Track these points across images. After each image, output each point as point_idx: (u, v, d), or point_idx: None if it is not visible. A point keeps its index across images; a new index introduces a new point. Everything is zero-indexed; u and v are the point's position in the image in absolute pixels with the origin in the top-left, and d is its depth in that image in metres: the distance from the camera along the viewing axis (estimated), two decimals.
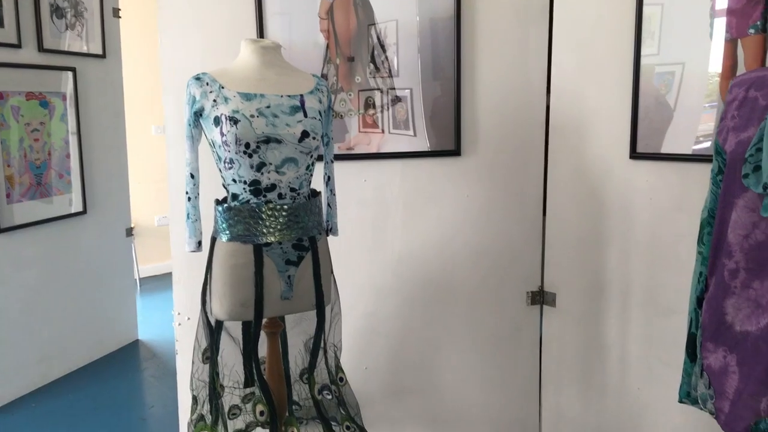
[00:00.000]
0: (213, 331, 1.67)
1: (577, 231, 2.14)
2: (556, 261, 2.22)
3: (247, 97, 1.52)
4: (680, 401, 1.54)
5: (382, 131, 2.09)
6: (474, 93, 2.13)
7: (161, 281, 4.82)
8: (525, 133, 2.18)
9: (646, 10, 1.86)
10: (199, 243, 1.63)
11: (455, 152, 2.14)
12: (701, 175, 1.78)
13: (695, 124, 1.81)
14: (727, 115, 1.34)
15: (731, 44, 1.69)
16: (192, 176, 1.60)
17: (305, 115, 1.57)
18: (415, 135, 2.11)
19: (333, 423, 1.84)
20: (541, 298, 2.27)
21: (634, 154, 1.94)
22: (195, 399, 1.72)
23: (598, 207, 2.07)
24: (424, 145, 2.12)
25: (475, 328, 2.25)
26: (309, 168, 1.61)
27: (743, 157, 1.24)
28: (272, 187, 1.55)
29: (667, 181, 1.88)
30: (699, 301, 1.44)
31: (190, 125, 1.57)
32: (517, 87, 2.15)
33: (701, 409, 1.39)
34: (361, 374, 2.18)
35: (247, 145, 1.50)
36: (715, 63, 1.75)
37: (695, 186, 1.80)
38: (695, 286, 1.49)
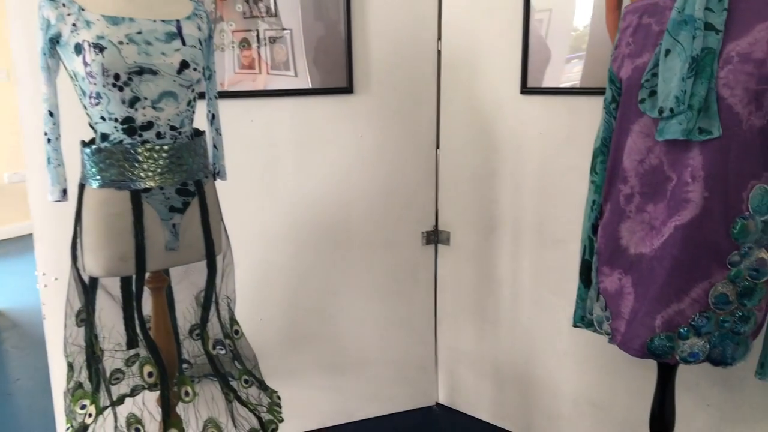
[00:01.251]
0: (87, 289, 1.49)
1: (470, 168, 2.14)
2: (450, 199, 2.22)
3: (114, 21, 1.32)
4: (574, 325, 1.60)
5: (260, 72, 1.94)
6: (365, 28, 2.03)
7: (17, 244, 4.33)
8: (418, 69, 2.12)
9: None
10: (64, 191, 1.42)
11: (347, 90, 2.04)
12: (590, 109, 1.83)
13: (559, 74, 1.86)
14: (622, 43, 1.35)
15: None
16: (51, 114, 1.38)
17: (183, 43, 1.39)
18: (296, 75, 1.97)
19: (229, 378, 1.74)
20: (435, 237, 2.28)
21: (525, 89, 1.95)
22: (70, 366, 1.54)
23: (491, 143, 2.07)
24: (305, 86, 1.99)
25: (372, 271, 2.21)
26: (191, 104, 1.44)
27: (639, 83, 1.26)
28: (149, 125, 1.37)
29: (556, 115, 1.91)
30: (594, 228, 1.48)
31: (45, 54, 1.34)
32: (408, 22, 2.07)
33: (597, 332, 1.44)
34: (256, 325, 2.07)
35: (117, 77, 1.31)
36: (581, 15, 1.78)
37: (584, 119, 1.85)
38: (588, 214, 1.52)
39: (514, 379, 2.20)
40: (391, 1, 2.04)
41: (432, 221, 2.26)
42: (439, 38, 2.12)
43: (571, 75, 1.87)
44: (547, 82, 1.89)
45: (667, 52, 1.21)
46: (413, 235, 2.25)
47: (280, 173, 2.04)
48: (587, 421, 2.04)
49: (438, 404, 2.43)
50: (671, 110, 1.19)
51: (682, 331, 1.25)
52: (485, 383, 2.28)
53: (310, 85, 1.99)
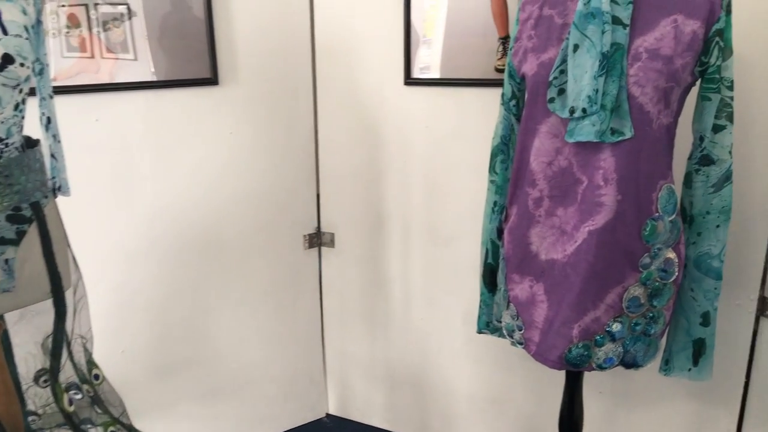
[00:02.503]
0: None
1: (353, 164, 1.99)
2: (333, 199, 2.06)
3: None
4: (479, 332, 1.53)
5: (92, 56, 1.62)
6: (229, 10, 1.77)
7: None
8: (290, 57, 1.91)
9: None
10: None
11: (212, 81, 1.78)
12: (478, 101, 1.76)
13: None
14: (522, 35, 1.27)
15: None
16: None
17: (4, 32, 1.08)
18: (135, 59, 1.68)
19: (88, 426, 1.46)
20: (318, 239, 2.11)
21: (409, 80, 1.83)
22: None
23: (374, 137, 1.93)
24: (147, 71, 1.69)
25: (250, 282, 1.99)
26: (18, 108, 1.13)
27: (547, 81, 1.18)
28: None
29: (443, 108, 1.82)
30: (498, 232, 1.40)
31: None
32: (277, 3, 1.85)
33: (509, 340, 1.37)
34: (118, 359, 1.79)
35: None
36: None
37: (472, 112, 1.77)
38: (489, 216, 1.45)
39: (408, 382, 2.11)
40: None
41: (314, 223, 2.09)
42: (313, 23, 1.93)
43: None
44: (434, 73, 1.79)
45: (576, 47, 1.13)
46: (294, 239, 2.06)
47: (135, 180, 1.74)
48: (484, 417, 2.01)
49: (328, 415, 2.28)
50: (584, 110, 1.12)
51: (598, 338, 1.21)
52: (378, 388, 2.18)
53: (152, 69, 1.70)
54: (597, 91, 1.11)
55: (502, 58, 1.69)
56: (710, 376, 1.30)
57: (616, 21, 1.12)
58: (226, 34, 1.78)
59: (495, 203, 1.43)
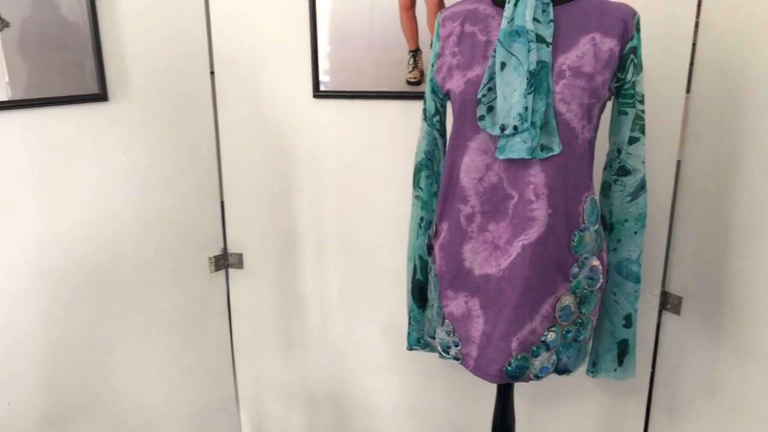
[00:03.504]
0: None
1: (260, 181, 1.90)
2: (240, 217, 1.95)
3: None
4: (410, 349, 1.51)
5: None
6: (114, 17, 1.61)
7: None
8: (187, 69, 1.78)
9: None
10: None
11: (100, 97, 1.61)
12: (390, 113, 1.74)
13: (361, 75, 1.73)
14: (445, 52, 1.26)
15: None
16: None
17: None
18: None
19: None
20: (225, 261, 1.99)
21: (318, 93, 1.77)
22: None
23: (283, 152, 1.85)
24: (19, 88, 1.50)
25: (152, 314, 1.84)
26: None
27: (475, 98, 1.18)
28: None
29: (354, 121, 1.78)
30: (429, 248, 1.39)
31: None
32: (171, 11, 1.72)
33: (444, 356, 1.36)
34: (3, 413, 1.57)
35: None
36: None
37: (384, 124, 1.75)
38: (415, 231, 1.43)
39: (328, 402, 2.05)
40: None
41: (220, 244, 1.97)
42: (210, 31, 1.81)
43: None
44: (345, 85, 1.74)
45: (503, 65, 1.14)
46: (199, 263, 1.92)
47: (15, 209, 1.54)
48: (407, 430, 2.00)
49: None
50: (515, 128, 1.13)
51: (534, 349, 1.23)
52: (296, 411, 2.10)
53: (6, 79, 1.48)
54: (527, 108, 1.12)
55: (413, 70, 1.68)
56: (634, 374, 1.37)
57: (539, 39, 1.14)
58: (114, 45, 1.62)
59: (422, 219, 1.42)
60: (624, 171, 1.26)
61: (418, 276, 1.44)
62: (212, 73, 1.85)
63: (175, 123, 1.78)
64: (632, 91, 1.20)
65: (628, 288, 1.32)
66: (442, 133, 1.37)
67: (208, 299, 1.97)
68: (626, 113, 1.22)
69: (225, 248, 1.98)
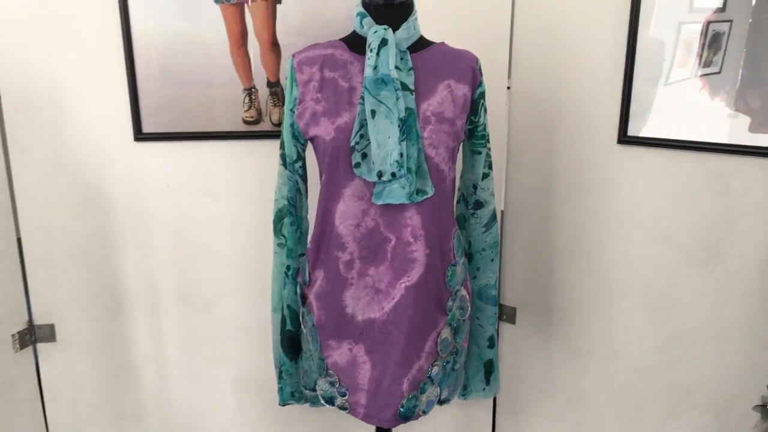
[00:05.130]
0: None
1: (73, 239, 1.64)
2: (47, 283, 1.66)
3: None
4: (284, 404, 1.44)
5: None
6: None
7: None
8: None
9: None
10: None
11: None
12: (226, 154, 1.64)
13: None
14: (306, 98, 1.23)
15: (237, 9, 1.54)
16: None
17: None
18: None
19: None
20: (32, 335, 1.67)
21: (141, 135, 1.59)
22: None
23: (100, 203, 1.62)
24: None
25: None
26: None
27: (347, 145, 1.17)
28: None
29: (186, 164, 1.63)
30: (302, 298, 1.33)
31: None
32: None
33: (326, 407, 1.32)
34: None
35: None
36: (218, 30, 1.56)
37: (220, 166, 1.64)
38: (281, 281, 1.37)
39: None
40: None
41: (24, 317, 1.65)
42: None
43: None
44: (174, 126, 1.59)
45: (373, 112, 1.15)
46: (2, 342, 1.59)
47: None
48: None
49: None
50: (393, 174, 1.15)
51: (422, 386, 1.26)
52: None
53: None
54: (402, 154, 1.15)
55: (249, 109, 1.61)
56: (499, 389, 1.48)
57: (404, 87, 1.17)
58: None
59: (288, 267, 1.36)
60: (479, 205, 1.36)
61: (289, 327, 1.38)
62: None
63: None
64: (484, 132, 1.30)
65: (489, 311, 1.42)
66: (305, 178, 1.34)
67: (14, 383, 1.64)
68: (480, 152, 1.32)
69: (31, 321, 1.67)
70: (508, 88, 1.68)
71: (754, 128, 1.32)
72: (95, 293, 1.68)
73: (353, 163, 1.16)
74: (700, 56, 1.36)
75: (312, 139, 1.24)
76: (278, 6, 1.55)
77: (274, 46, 1.57)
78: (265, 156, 1.63)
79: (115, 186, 1.62)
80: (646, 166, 1.48)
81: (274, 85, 1.60)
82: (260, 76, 1.59)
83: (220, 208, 1.67)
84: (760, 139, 1.31)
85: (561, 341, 1.72)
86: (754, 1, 1.28)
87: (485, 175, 1.34)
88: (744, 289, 1.40)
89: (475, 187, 1.35)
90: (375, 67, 1.15)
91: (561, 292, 1.69)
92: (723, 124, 1.35)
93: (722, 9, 1.32)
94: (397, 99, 1.15)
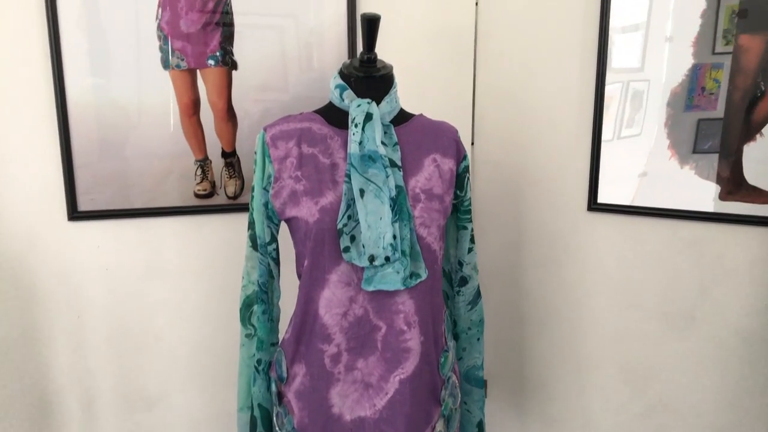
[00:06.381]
0: None
1: None
2: None
3: None
4: None
5: None
6: None
7: None
8: None
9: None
10: None
11: None
12: (175, 231, 1.48)
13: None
14: (283, 175, 1.12)
15: (189, 75, 1.42)
16: None
17: None
18: None
19: None
20: None
21: (77, 214, 1.40)
22: None
23: (25, 293, 1.41)
24: None
25: None
26: None
27: (333, 227, 1.07)
28: None
29: (128, 243, 1.46)
30: (278, 396, 1.19)
31: None
32: None
33: None
34: None
35: None
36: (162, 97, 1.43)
37: (168, 245, 1.47)
38: (251, 376, 1.23)
39: None
40: None
41: None
42: None
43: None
44: (114, 202, 1.42)
45: (362, 192, 1.06)
46: None
47: None
48: None
49: None
50: (387, 258, 1.05)
51: None
52: None
53: None
54: (395, 237, 1.06)
55: (202, 182, 1.47)
56: None
57: (392, 163, 1.10)
58: None
59: (260, 361, 1.21)
60: (464, 281, 1.29)
61: (260, 429, 1.22)
62: None
63: None
64: (469, 207, 1.24)
65: (476, 395, 1.34)
66: (278, 261, 1.21)
67: None
68: (466, 228, 1.25)
69: None
70: (472, 143, 1.66)
71: (723, 196, 1.34)
72: (21, 397, 1.44)
73: (342, 247, 1.06)
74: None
75: (290, 220, 1.12)
76: (234, 72, 1.44)
77: (229, 115, 1.45)
78: (219, 232, 1.49)
79: (46, 272, 1.41)
80: (617, 233, 1.48)
81: (229, 156, 1.47)
82: (214, 146, 1.46)
83: (168, 293, 1.50)
84: (730, 206, 1.34)
85: (535, 412, 1.66)
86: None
87: (470, 250, 1.28)
88: (720, 356, 1.40)
89: (460, 263, 1.28)
90: (360, 143, 1.07)
91: (534, 362, 1.64)
92: (693, 191, 1.37)
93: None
94: (387, 177, 1.07)
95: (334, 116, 1.15)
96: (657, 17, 1.36)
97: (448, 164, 1.17)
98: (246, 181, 1.50)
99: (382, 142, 1.10)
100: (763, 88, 1.25)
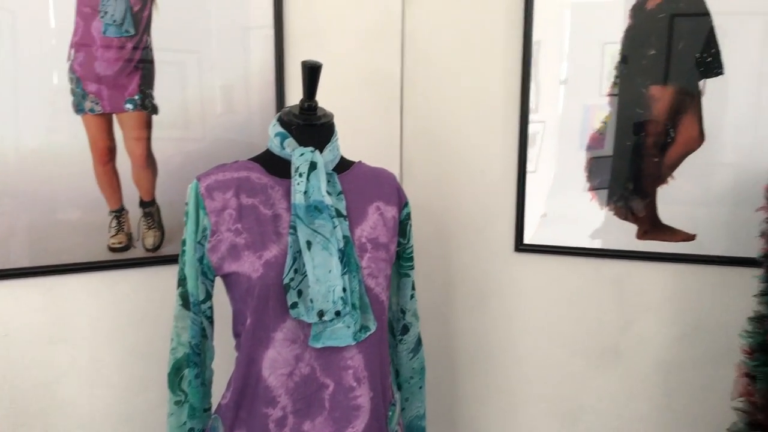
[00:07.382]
0: None
1: None
2: None
3: None
4: None
5: None
6: None
7: None
8: None
9: None
10: None
11: None
12: (85, 289, 1.35)
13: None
14: (221, 228, 1.05)
15: (105, 120, 1.31)
16: None
17: None
18: None
19: None
20: None
21: None
22: None
23: None
24: None
25: None
26: None
27: (279, 283, 1.01)
28: None
29: (28, 306, 1.30)
30: None
31: None
32: None
33: None
34: None
35: None
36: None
37: (76, 305, 1.33)
38: None
39: None
40: None
41: None
42: None
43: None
44: (11, 260, 1.26)
45: (309, 244, 1.01)
46: None
47: None
48: None
49: None
50: (337, 313, 1.01)
51: None
52: None
53: None
54: (345, 289, 1.02)
55: (117, 234, 1.35)
56: None
57: (338, 213, 1.06)
58: None
59: (192, 430, 1.11)
60: (405, 329, 1.27)
61: None
62: None
63: None
64: (412, 254, 1.23)
65: None
66: (212, 320, 1.13)
67: None
68: (408, 275, 1.24)
69: None
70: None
71: (640, 235, 1.43)
72: None
73: (289, 303, 1.00)
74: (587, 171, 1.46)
75: (228, 276, 1.05)
76: (154, 117, 1.35)
77: (149, 161, 1.35)
78: (136, 287, 1.37)
79: None
80: (544, 272, 1.53)
81: (148, 205, 1.37)
82: (131, 195, 1.35)
83: (76, 357, 1.34)
84: (648, 245, 1.42)
85: None
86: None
87: (411, 296, 1.26)
88: (644, 387, 1.47)
89: (402, 311, 1.26)
90: (305, 193, 1.03)
91: (466, 401, 1.64)
92: (613, 231, 1.45)
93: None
94: (334, 227, 1.03)
95: (274, 165, 1.10)
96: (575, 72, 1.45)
97: (391, 212, 1.16)
98: (166, 232, 1.39)
99: (327, 192, 1.06)
100: (672, 135, 1.36)
